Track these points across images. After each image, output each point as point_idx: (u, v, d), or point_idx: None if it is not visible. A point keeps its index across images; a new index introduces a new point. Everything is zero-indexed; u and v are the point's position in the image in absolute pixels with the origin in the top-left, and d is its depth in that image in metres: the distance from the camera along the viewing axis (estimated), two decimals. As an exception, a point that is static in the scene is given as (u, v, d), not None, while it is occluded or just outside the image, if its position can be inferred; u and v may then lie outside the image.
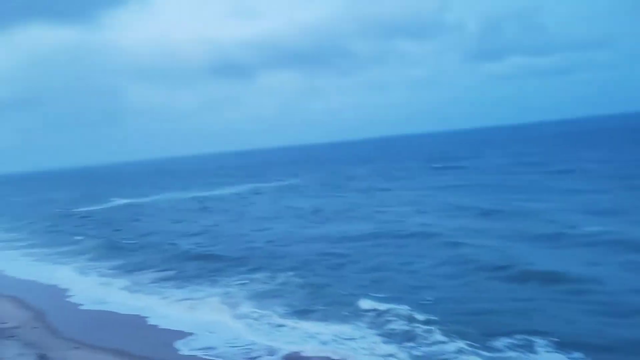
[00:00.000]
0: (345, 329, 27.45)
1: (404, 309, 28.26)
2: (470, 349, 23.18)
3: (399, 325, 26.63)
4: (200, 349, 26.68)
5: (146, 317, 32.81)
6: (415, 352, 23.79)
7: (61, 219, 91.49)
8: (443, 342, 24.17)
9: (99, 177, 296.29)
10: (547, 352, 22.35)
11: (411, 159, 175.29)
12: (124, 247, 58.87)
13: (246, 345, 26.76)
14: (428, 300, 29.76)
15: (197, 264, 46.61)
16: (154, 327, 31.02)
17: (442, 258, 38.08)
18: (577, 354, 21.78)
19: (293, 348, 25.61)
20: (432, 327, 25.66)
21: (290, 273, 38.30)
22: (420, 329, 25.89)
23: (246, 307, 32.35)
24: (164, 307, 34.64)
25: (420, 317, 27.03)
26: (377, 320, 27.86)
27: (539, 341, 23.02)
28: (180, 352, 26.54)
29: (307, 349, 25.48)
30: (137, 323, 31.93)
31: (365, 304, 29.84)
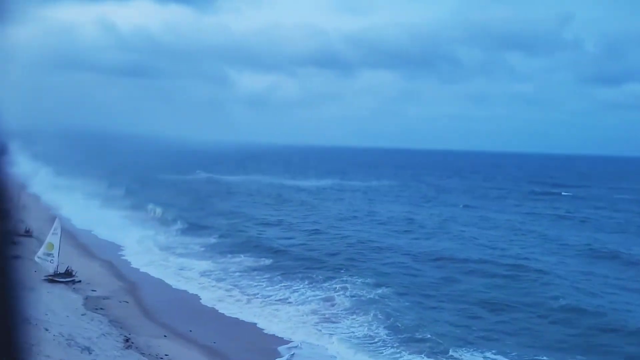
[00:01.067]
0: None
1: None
2: None
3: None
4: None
5: (241, 316, 30.20)
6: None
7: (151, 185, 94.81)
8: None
9: (192, 151, 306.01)
10: None
11: (507, 179, 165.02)
12: (207, 225, 58.12)
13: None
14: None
15: (286, 257, 45.22)
16: (252, 326, 28.65)
17: (551, 307, 32.27)
18: None
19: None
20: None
21: (387, 289, 35.20)
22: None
23: (347, 320, 29.65)
24: (259, 307, 31.93)
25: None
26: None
27: None
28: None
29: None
30: (232, 321, 29.44)
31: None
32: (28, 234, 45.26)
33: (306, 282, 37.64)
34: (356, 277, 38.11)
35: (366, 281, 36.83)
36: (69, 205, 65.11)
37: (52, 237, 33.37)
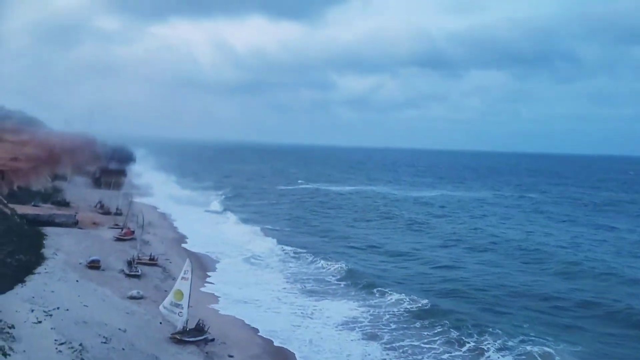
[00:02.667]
0: None
1: None
2: None
3: None
4: None
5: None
6: None
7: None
8: None
9: (300, 156, 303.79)
10: None
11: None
12: (332, 251, 50.20)
13: None
14: None
15: (447, 298, 36.84)
16: None
17: None
18: None
19: None
20: None
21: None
22: None
23: None
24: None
25: None
26: None
27: None
28: None
29: None
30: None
31: None
32: (153, 261, 39.94)
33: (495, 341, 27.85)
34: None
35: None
36: (187, 223, 60.63)
37: (182, 283, 26.25)
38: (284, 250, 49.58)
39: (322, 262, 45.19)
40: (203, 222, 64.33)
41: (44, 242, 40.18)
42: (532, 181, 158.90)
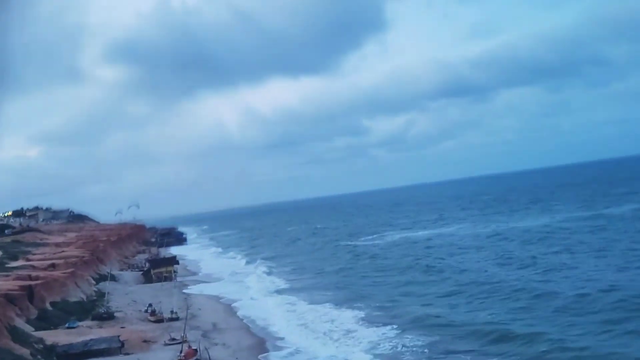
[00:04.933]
0: None
1: None
2: None
3: None
4: None
5: None
6: None
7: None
8: None
9: (345, 205, 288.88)
10: None
11: None
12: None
13: None
14: None
15: None
16: None
17: None
18: None
19: None
20: None
21: None
22: None
23: None
24: None
25: None
26: None
27: None
28: None
29: None
30: None
31: None
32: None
33: None
34: None
35: None
36: (267, 315, 46.63)
37: None
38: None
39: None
40: (292, 313, 47.84)
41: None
42: (590, 193, 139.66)
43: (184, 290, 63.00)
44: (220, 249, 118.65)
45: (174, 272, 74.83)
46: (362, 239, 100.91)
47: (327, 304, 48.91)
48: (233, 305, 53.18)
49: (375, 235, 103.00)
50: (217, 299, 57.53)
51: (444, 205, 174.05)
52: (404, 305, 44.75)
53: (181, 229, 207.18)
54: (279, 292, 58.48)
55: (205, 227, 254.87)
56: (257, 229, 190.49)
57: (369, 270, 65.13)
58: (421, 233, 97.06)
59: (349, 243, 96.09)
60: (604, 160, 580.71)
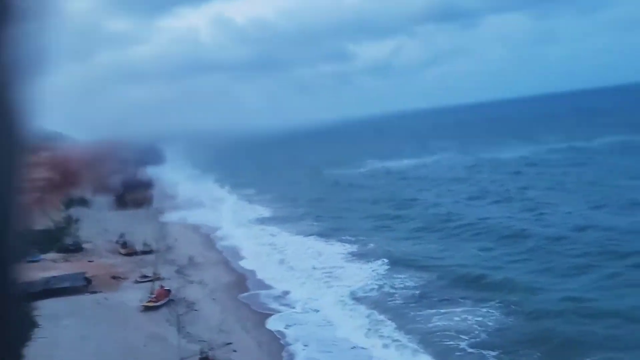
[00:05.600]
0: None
1: None
2: None
3: None
4: None
5: None
6: None
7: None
8: None
9: (334, 135, 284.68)
10: None
11: None
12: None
13: None
14: None
15: None
16: None
17: None
18: None
19: None
20: None
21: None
22: None
23: None
24: None
25: None
26: None
27: None
28: None
29: None
30: None
31: None
32: None
33: None
34: None
35: None
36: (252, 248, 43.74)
37: None
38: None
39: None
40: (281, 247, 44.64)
41: (27, 346, 24.04)
42: (574, 123, 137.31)
43: (160, 218, 59.83)
44: (199, 171, 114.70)
45: (150, 197, 71.36)
46: (344, 168, 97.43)
47: (308, 236, 46.40)
48: (212, 235, 50.24)
49: (357, 165, 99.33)
50: (195, 228, 54.48)
51: (429, 134, 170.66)
52: (381, 241, 42.09)
53: (161, 146, 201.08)
54: (261, 221, 55.65)
55: (184, 146, 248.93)
56: (239, 154, 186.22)
57: (351, 202, 62.29)
58: (404, 162, 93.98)
59: (331, 172, 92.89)
60: (591, 89, 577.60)
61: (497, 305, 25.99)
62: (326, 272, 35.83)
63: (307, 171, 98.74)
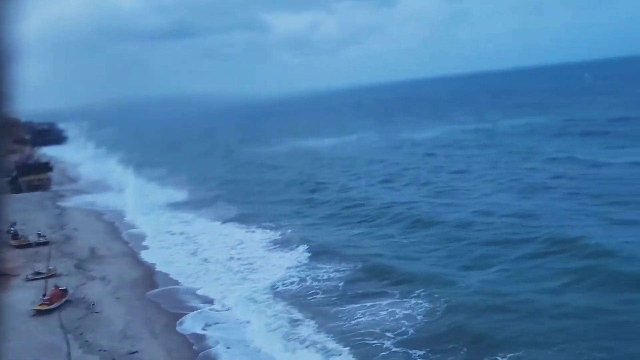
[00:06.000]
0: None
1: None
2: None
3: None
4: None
5: None
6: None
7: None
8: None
9: (245, 108, 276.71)
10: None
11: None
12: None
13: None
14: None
15: None
16: None
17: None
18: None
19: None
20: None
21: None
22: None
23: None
24: None
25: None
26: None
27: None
28: None
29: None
30: None
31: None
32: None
33: None
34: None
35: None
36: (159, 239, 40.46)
37: None
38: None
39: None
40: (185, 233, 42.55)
41: None
42: (485, 104, 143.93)
43: (59, 203, 54.82)
44: (104, 151, 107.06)
45: (48, 180, 65.43)
46: (260, 146, 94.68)
47: (225, 223, 43.92)
48: (117, 223, 46.26)
49: (274, 143, 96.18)
50: (98, 215, 50.15)
51: (348, 112, 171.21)
52: (300, 228, 40.60)
53: (62, 125, 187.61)
54: (173, 206, 52.15)
55: (88, 123, 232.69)
56: (147, 129, 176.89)
57: (267, 184, 60.32)
58: (322, 142, 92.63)
59: (246, 150, 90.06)
60: (502, 70, 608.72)
61: (421, 297, 25.31)
62: (245, 264, 33.90)
63: (222, 149, 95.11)
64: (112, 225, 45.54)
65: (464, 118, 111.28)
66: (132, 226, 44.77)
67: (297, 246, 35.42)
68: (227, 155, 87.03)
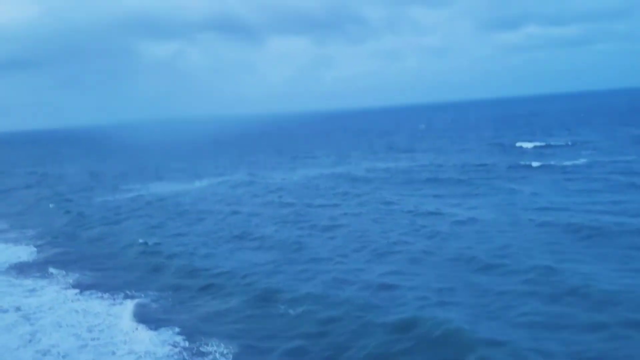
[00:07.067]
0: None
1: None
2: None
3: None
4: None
5: None
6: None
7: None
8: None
9: (100, 140, 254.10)
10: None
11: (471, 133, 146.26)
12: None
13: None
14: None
15: None
16: None
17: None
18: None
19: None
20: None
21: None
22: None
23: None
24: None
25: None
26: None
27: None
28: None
29: None
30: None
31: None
32: None
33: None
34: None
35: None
36: None
37: None
38: None
39: None
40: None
41: None
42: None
43: None
44: None
45: None
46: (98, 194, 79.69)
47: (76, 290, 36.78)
48: None
49: (120, 190, 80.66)
50: None
51: (208, 148, 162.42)
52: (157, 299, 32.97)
53: None
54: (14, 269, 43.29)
55: None
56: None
57: (99, 243, 49.44)
58: (172, 188, 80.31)
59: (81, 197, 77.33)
60: (361, 110, 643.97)
61: None
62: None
63: (49, 194, 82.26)
64: None
65: (325, 159, 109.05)
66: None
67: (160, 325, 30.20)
68: (58, 203, 72.25)
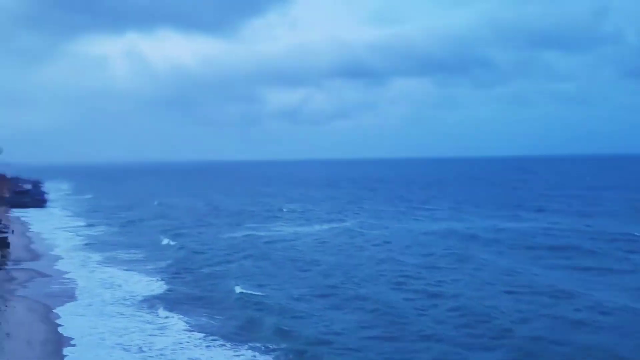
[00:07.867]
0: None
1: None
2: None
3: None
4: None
5: None
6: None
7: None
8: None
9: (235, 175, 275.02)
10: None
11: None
12: None
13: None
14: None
15: None
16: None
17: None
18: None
19: None
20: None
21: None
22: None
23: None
24: None
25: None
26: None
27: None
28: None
29: None
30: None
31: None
32: None
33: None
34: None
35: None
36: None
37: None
38: None
39: None
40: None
41: None
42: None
43: (3, 294, 48.60)
44: (82, 222, 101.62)
45: (4, 257, 59.65)
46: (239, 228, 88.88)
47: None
48: (62, 330, 39.40)
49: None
50: (45, 311, 43.69)
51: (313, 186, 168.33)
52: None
53: (47, 184, 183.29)
54: (147, 302, 45.77)
55: (71, 185, 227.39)
56: (133, 194, 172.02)
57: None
58: (307, 229, 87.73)
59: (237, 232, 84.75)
60: (485, 157, 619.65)
61: None
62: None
63: (172, 226, 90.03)
64: (57, 331, 39.15)
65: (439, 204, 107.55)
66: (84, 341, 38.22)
67: None
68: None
